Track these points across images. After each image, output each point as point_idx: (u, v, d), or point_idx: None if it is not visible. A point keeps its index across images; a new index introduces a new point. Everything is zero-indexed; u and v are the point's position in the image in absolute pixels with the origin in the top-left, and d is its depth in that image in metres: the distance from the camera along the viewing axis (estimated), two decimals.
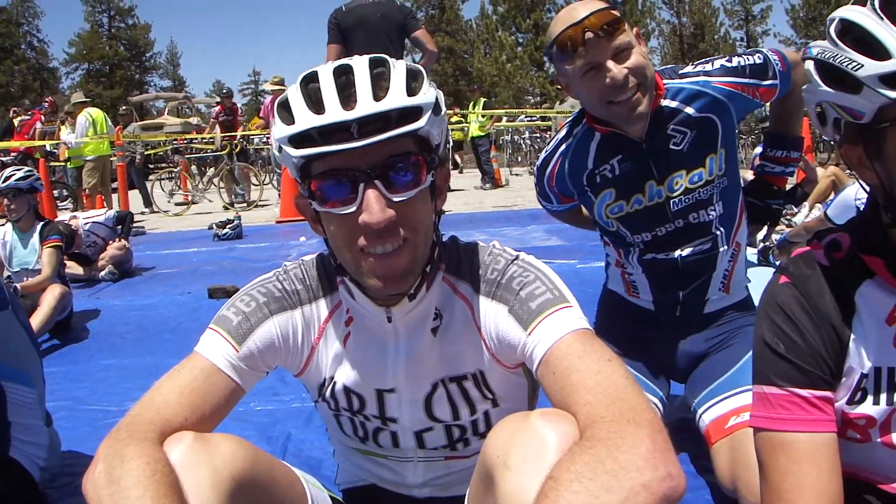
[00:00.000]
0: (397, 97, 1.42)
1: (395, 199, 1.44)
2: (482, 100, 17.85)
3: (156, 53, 57.31)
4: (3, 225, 6.14)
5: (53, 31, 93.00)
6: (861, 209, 1.56)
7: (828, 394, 1.50)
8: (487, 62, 40.45)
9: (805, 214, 7.32)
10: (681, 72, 2.44)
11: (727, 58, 2.46)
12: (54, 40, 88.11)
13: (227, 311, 1.68)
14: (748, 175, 8.69)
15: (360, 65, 1.46)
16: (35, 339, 2.84)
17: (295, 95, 1.47)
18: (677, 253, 2.46)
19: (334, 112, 1.39)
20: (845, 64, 1.32)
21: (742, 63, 2.41)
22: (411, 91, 1.45)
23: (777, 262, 6.30)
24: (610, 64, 2.18)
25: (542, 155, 2.64)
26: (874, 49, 1.28)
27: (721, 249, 2.48)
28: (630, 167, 2.42)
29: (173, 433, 1.45)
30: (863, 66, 1.29)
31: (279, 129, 1.46)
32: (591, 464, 1.17)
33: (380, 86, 1.43)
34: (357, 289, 1.63)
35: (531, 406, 1.84)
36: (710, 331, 2.57)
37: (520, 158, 22.03)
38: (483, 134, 16.75)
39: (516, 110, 18.12)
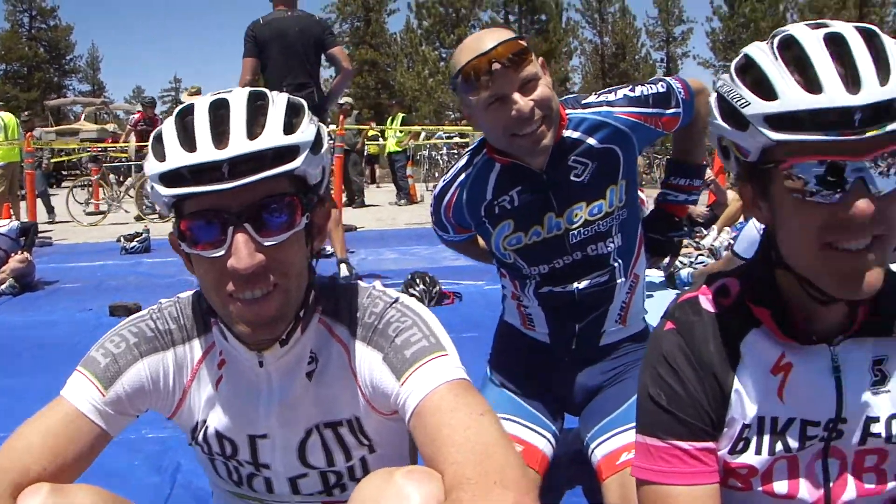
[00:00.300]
0: (273, 136, 1.35)
1: (266, 244, 1.37)
2: (401, 115, 17.89)
3: (76, 57, 56.01)
4: None
5: None
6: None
7: (709, 444, 1.48)
8: (410, 76, 40.58)
9: (714, 237, 7.48)
10: (584, 101, 2.41)
11: (630, 87, 2.44)
12: None
13: (95, 351, 1.59)
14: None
15: (236, 100, 1.39)
16: None
17: (169, 130, 1.39)
18: (574, 285, 2.43)
19: (206, 151, 1.33)
20: (736, 100, 1.31)
21: (645, 92, 2.39)
22: (289, 129, 1.39)
23: (681, 286, 6.40)
24: (516, 96, 2.13)
25: (441, 184, 2.57)
26: (764, 88, 1.27)
27: (619, 281, 2.45)
28: (529, 199, 2.37)
29: (31, 483, 1.36)
30: (750, 104, 1.28)
31: (151, 165, 1.39)
32: None
33: (256, 122, 1.36)
34: (229, 332, 1.55)
35: (412, 453, 1.78)
36: (605, 363, 2.54)
37: (437, 174, 22.05)
38: (400, 149, 16.78)
39: (434, 127, 18.14)
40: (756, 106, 1.27)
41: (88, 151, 18.55)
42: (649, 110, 2.38)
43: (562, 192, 2.35)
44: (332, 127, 11.39)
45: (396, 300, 1.60)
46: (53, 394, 1.53)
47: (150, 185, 1.40)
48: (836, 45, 1.23)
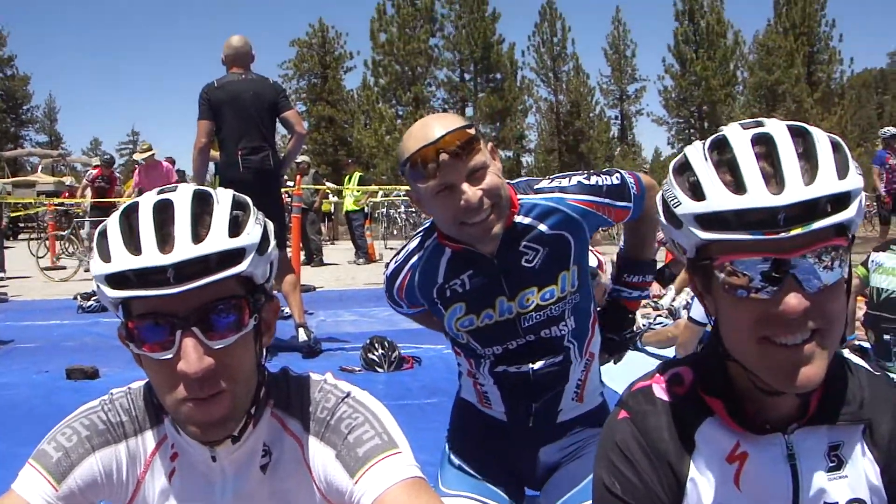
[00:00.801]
0: (218, 240, 1.36)
1: (215, 346, 1.37)
2: (357, 174, 17.94)
3: (33, 107, 55.57)
4: None
5: None
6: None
7: None
8: (367, 133, 40.69)
9: (671, 297, 7.51)
10: (536, 186, 2.42)
11: (585, 175, 2.45)
12: None
13: (47, 444, 1.56)
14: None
15: (181, 200, 1.40)
16: None
17: (113, 229, 1.39)
18: (529, 366, 2.43)
19: (150, 255, 1.33)
20: (671, 200, 1.36)
21: (599, 182, 2.41)
22: (234, 230, 1.39)
23: (643, 347, 6.45)
24: (464, 186, 2.12)
25: (392, 265, 2.57)
26: (694, 189, 1.32)
27: (573, 362, 2.46)
28: (481, 283, 2.37)
29: None
30: (681, 203, 1.33)
31: (96, 265, 1.38)
32: None
33: (201, 223, 1.37)
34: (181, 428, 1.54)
35: None
36: (564, 440, 2.53)
37: (395, 232, 22.15)
38: (358, 208, 16.80)
39: (392, 186, 18.24)
40: (686, 206, 1.32)
41: (45, 206, 18.37)
42: (601, 199, 2.39)
43: (513, 277, 2.35)
44: (290, 185, 11.43)
45: (348, 395, 1.60)
46: (8, 459, 1.51)
47: (96, 285, 1.40)
48: (764, 145, 1.28)
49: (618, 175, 2.45)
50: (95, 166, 16.99)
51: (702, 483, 1.49)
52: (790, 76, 38.10)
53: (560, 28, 44.70)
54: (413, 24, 41.38)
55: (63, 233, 15.61)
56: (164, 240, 1.33)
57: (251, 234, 1.41)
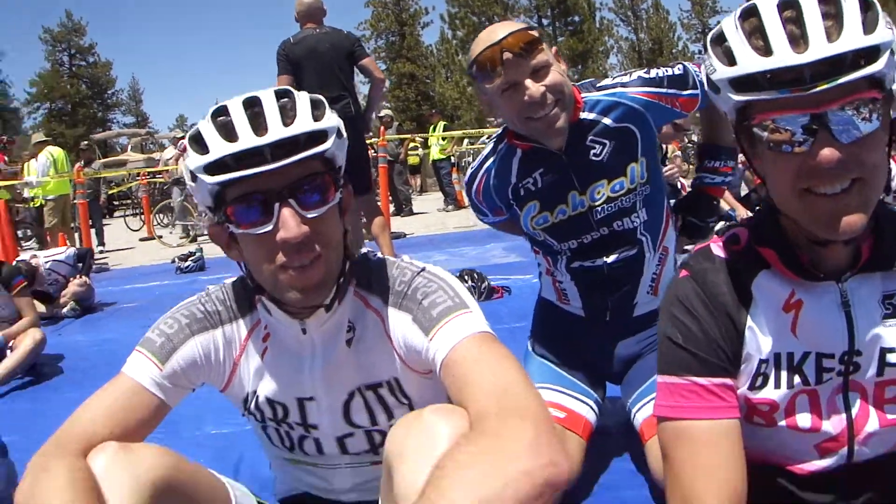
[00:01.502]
0: (304, 122, 1.52)
1: (309, 216, 1.53)
2: (441, 123, 17.96)
3: (118, 90, 56.66)
4: None
5: (14, 71, 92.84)
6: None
7: (727, 381, 1.56)
8: (449, 86, 40.69)
9: None
10: (598, 85, 2.51)
11: (646, 70, 2.52)
12: (15, 80, 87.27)
13: (151, 333, 1.77)
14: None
15: (266, 96, 1.55)
16: None
17: (207, 127, 1.55)
18: (603, 259, 2.52)
19: (247, 139, 1.49)
20: (708, 68, 1.43)
21: (660, 74, 2.48)
22: (316, 117, 1.55)
23: None
24: (528, 82, 2.23)
25: (469, 171, 2.70)
26: (727, 55, 1.39)
27: (647, 255, 2.53)
28: (552, 179, 2.47)
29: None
30: (716, 70, 1.41)
31: (193, 160, 1.54)
32: (474, 453, 1.24)
33: (287, 114, 1.53)
34: (273, 305, 1.70)
35: None
36: (641, 333, 2.62)
37: None
38: (444, 157, 16.85)
39: (477, 131, 18.21)
40: (721, 72, 1.39)
41: (137, 181, 18.98)
42: (664, 90, 2.46)
43: (583, 172, 2.44)
44: (374, 138, 11.57)
45: (423, 269, 1.76)
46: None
47: (193, 178, 1.56)
48: (791, 9, 1.33)
49: (680, 66, 2.49)
50: (180, 138, 17.45)
51: (760, 332, 1.57)
52: None
53: None
54: None
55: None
56: (258, 127, 1.50)
57: (331, 119, 1.58)
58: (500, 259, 8.02)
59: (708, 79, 1.45)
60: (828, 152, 1.32)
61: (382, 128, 13.80)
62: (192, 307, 1.81)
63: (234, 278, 1.86)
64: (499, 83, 2.26)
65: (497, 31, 2.26)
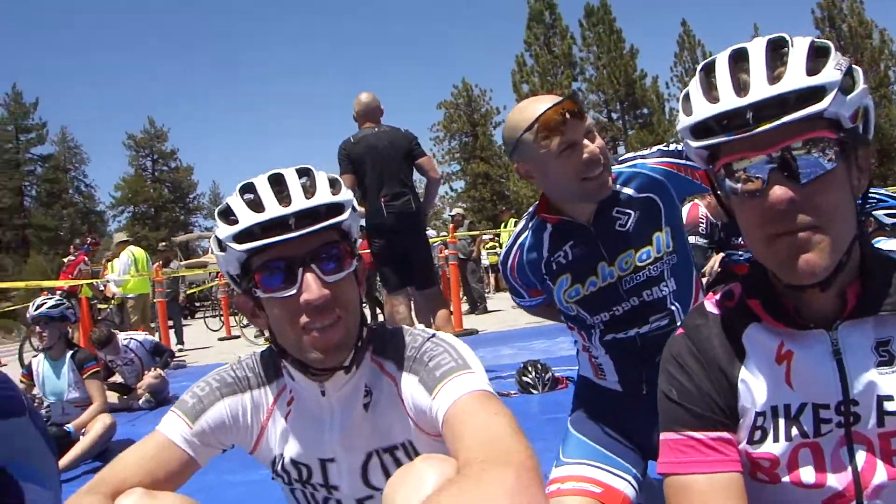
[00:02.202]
0: (324, 195, 1.70)
1: (329, 280, 1.68)
2: (513, 220, 18.13)
3: (199, 194, 58.88)
4: (35, 356, 6.38)
5: (100, 175, 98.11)
6: None
7: (725, 434, 1.59)
8: (523, 184, 40.90)
9: None
10: (620, 159, 2.62)
11: (665, 144, 2.64)
12: (101, 185, 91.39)
13: (186, 395, 1.93)
14: None
15: (289, 173, 1.74)
16: (52, 447, 3.01)
17: (236, 201, 1.73)
18: (636, 331, 2.56)
19: (273, 209, 1.66)
20: (676, 122, 1.54)
21: (679, 147, 2.57)
22: (334, 192, 1.72)
23: None
24: (586, 141, 2.37)
25: (504, 250, 2.80)
26: (687, 106, 1.49)
27: (679, 323, 2.56)
28: (581, 252, 2.56)
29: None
30: (679, 121, 1.51)
31: (223, 231, 1.72)
32: (454, 495, 1.29)
33: (308, 188, 1.70)
34: (295, 369, 1.83)
35: None
36: None
37: None
38: None
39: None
40: (682, 121, 1.49)
41: (216, 282, 19.51)
42: (682, 161, 2.55)
43: (610, 242, 2.52)
44: (443, 234, 11.74)
45: (434, 335, 1.86)
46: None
47: (222, 248, 1.74)
48: (740, 59, 1.42)
49: None
50: None
51: (754, 384, 1.59)
52: None
53: (700, 54, 43.49)
54: (553, 70, 41.77)
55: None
56: (283, 199, 1.68)
57: (346, 194, 1.77)
58: (568, 351, 7.96)
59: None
60: (779, 191, 1.37)
61: (453, 226, 14.00)
62: (224, 373, 1.97)
63: (265, 348, 2.00)
64: (558, 142, 2.38)
65: (544, 100, 2.42)
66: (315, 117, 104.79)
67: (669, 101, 43.16)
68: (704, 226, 6.29)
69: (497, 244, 19.49)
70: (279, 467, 1.95)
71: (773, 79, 1.37)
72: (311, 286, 1.66)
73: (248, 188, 1.75)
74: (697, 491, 1.55)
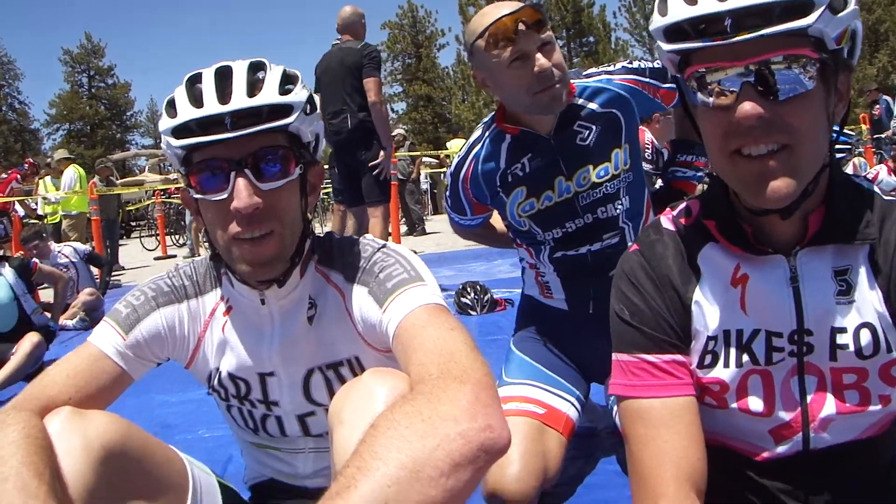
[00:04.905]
0: (269, 94, 1.55)
1: (263, 188, 1.56)
2: (456, 140, 18.01)
3: (136, 112, 57.34)
4: None
5: (34, 92, 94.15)
6: None
7: (678, 357, 1.53)
8: (465, 108, 40.59)
9: None
10: (585, 73, 2.56)
11: (629, 60, 2.61)
12: (35, 102, 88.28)
13: (119, 304, 1.80)
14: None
15: (238, 66, 1.60)
16: None
17: (179, 92, 1.60)
18: (587, 248, 2.54)
19: (211, 106, 1.53)
20: (650, 22, 1.41)
21: (643, 65, 2.55)
22: (284, 91, 1.58)
23: None
24: (538, 55, 2.29)
25: (456, 160, 2.70)
26: (663, 6, 1.36)
27: (629, 242, 2.52)
28: (540, 164, 2.50)
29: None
30: (653, 21, 1.39)
31: (163, 123, 1.59)
32: (410, 413, 1.22)
33: (255, 85, 1.56)
34: (234, 276, 1.73)
35: None
36: None
37: None
38: None
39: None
40: (656, 22, 1.37)
41: (152, 200, 19.10)
42: (646, 79, 2.52)
43: (569, 156, 2.48)
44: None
45: (384, 245, 1.77)
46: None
47: (165, 142, 1.61)
48: None
49: (660, 61, 2.51)
50: None
51: (707, 306, 1.53)
52: (891, 14, 35.93)
53: None
54: None
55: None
56: (223, 95, 1.54)
57: (298, 94, 1.61)
58: (506, 274, 8.03)
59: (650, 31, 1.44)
60: (748, 107, 1.28)
61: (393, 147, 13.83)
62: (160, 281, 1.84)
63: (205, 255, 1.89)
64: (509, 53, 2.30)
65: (504, 7, 2.31)
66: (262, 32, 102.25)
67: (616, 30, 42.93)
68: (650, 151, 6.28)
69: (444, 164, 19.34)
70: (215, 382, 1.85)
71: None
72: (242, 193, 1.53)
73: (195, 79, 1.62)
74: (652, 416, 1.50)
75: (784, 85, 1.29)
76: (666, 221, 1.64)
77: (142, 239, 18.91)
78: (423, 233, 15.75)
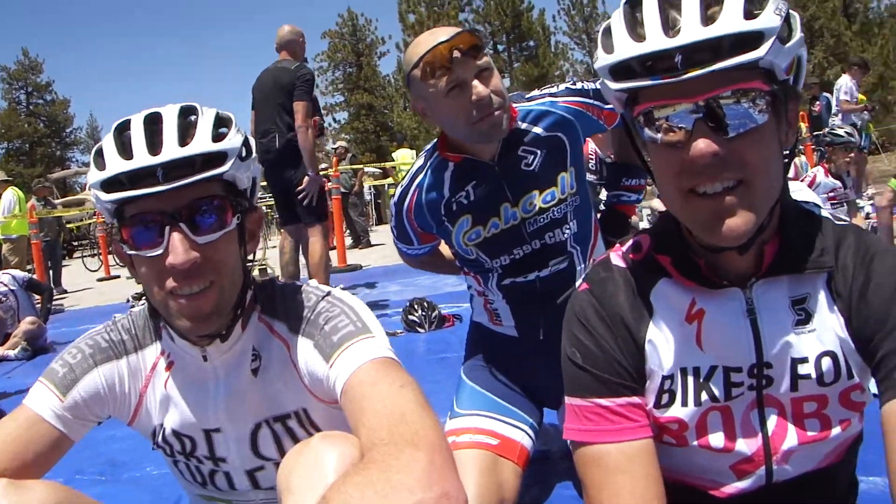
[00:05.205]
0: (202, 143, 1.48)
1: (200, 241, 1.48)
2: (400, 150, 17.98)
3: (76, 129, 55.88)
4: None
5: None
6: None
7: (633, 399, 1.49)
8: (406, 116, 40.63)
9: None
10: (527, 96, 2.52)
11: (572, 81, 2.56)
12: None
13: (55, 363, 1.71)
14: (655, 202, 8.73)
15: (169, 112, 1.52)
16: None
17: (108, 142, 1.52)
18: (535, 274, 2.48)
19: (141, 157, 1.45)
20: (595, 59, 1.37)
21: (586, 87, 2.51)
22: (217, 136, 1.51)
23: None
24: (475, 82, 2.23)
25: (399, 189, 2.63)
26: (608, 44, 1.32)
27: (578, 268, 2.50)
28: (484, 192, 2.44)
29: None
30: (598, 58, 1.34)
31: (92, 175, 1.51)
32: (362, 485, 1.17)
33: (187, 132, 1.49)
34: (175, 331, 1.66)
35: None
36: None
37: None
38: None
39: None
40: (601, 60, 1.32)
41: (93, 220, 18.71)
42: (590, 101, 2.48)
43: (515, 182, 2.42)
44: (329, 170, 11.58)
45: (328, 294, 1.70)
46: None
47: (94, 195, 1.52)
48: None
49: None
50: None
51: (661, 345, 1.49)
52: (825, 11, 36.82)
53: None
54: (440, 0, 41.09)
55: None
56: (154, 144, 1.46)
57: (232, 139, 1.54)
58: (454, 287, 7.98)
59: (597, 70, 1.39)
60: (702, 145, 1.24)
61: (336, 159, 13.77)
62: (97, 336, 1.76)
63: (143, 307, 1.80)
64: (445, 81, 2.24)
65: (442, 33, 2.25)
66: (202, 45, 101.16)
67: (556, 33, 43.29)
68: (594, 162, 6.29)
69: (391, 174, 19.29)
70: (160, 438, 1.78)
71: (707, 19, 1.22)
72: (178, 248, 1.46)
73: (124, 126, 1.54)
74: (608, 461, 1.45)
75: (736, 120, 1.25)
76: (616, 258, 1.59)
77: (84, 259, 18.51)
78: (369, 245, 15.65)
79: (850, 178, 7.61)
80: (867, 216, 8.85)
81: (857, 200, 8.67)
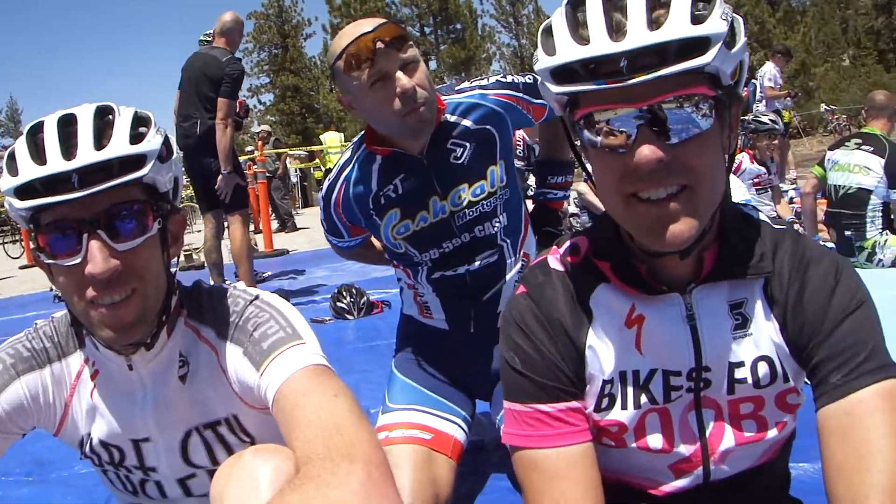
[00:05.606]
0: (119, 146, 1.41)
1: (120, 249, 1.42)
2: (331, 133, 17.86)
3: None
4: None
5: None
6: None
7: (573, 404, 1.47)
8: (332, 97, 40.17)
9: None
10: (457, 88, 2.47)
11: (503, 74, 2.53)
12: None
13: None
14: (581, 186, 8.82)
15: (84, 113, 1.44)
16: None
17: (21, 146, 1.43)
18: (465, 267, 2.46)
19: (55, 163, 1.37)
20: (534, 60, 1.33)
21: (516, 80, 2.48)
22: (135, 139, 1.44)
23: None
24: (399, 74, 2.17)
25: (326, 183, 2.57)
26: (549, 46, 1.28)
27: (508, 261, 2.48)
28: (413, 185, 2.39)
29: None
30: (538, 60, 1.30)
31: (5, 181, 1.42)
32: (298, 503, 1.14)
33: (103, 134, 1.41)
34: (98, 341, 1.58)
35: None
36: None
37: None
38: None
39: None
40: (542, 62, 1.28)
41: None
42: (520, 94, 2.45)
43: (443, 175, 2.38)
44: (256, 153, 11.41)
45: (256, 297, 1.65)
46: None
47: (8, 202, 1.43)
48: None
49: (531, 76, 2.48)
50: None
51: (601, 349, 1.48)
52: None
53: None
54: None
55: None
56: (68, 148, 1.38)
57: (151, 141, 1.46)
58: (382, 273, 7.92)
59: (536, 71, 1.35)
60: (647, 151, 1.21)
61: (260, 143, 13.58)
62: (18, 344, 1.66)
63: (64, 312, 1.71)
64: (368, 74, 2.17)
65: (366, 24, 2.18)
66: (129, 25, 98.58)
67: (483, 16, 43.50)
68: (522, 148, 6.29)
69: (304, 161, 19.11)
70: (87, 449, 1.70)
71: (653, 23, 1.18)
72: (96, 256, 1.38)
73: (37, 129, 1.44)
74: (547, 466, 1.44)
75: (680, 125, 1.22)
76: (553, 261, 1.56)
77: (5, 246, 17.87)
78: (294, 228, 15.46)
79: (774, 163, 7.76)
80: (791, 200, 9.04)
81: (781, 185, 8.85)
